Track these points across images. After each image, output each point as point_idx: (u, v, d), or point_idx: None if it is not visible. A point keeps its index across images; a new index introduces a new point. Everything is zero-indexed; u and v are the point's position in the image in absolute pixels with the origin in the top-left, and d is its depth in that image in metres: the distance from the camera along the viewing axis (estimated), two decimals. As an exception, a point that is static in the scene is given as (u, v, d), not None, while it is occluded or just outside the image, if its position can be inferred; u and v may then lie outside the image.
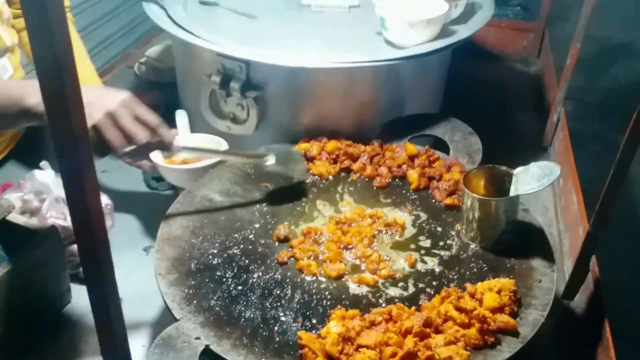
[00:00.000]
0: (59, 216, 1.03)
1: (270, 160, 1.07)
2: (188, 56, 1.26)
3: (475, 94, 1.74)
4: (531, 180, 0.88)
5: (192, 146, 1.10)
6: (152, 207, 1.30)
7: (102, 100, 0.89)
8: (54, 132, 0.51)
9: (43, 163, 1.18)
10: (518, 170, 0.92)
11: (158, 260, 0.87)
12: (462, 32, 1.21)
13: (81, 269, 1.07)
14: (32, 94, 0.88)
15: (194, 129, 1.36)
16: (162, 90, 1.63)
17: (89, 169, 0.53)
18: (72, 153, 0.52)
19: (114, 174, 1.40)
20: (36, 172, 1.08)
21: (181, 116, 1.25)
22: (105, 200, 1.12)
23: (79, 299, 1.05)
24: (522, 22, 2.04)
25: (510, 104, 1.75)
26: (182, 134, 1.22)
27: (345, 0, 1.37)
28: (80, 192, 0.53)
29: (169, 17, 1.24)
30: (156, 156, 1.12)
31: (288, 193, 1.06)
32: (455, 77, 1.52)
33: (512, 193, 0.90)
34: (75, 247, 1.05)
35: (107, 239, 0.59)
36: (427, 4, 1.19)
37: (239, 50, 1.11)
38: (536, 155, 1.48)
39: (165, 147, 0.98)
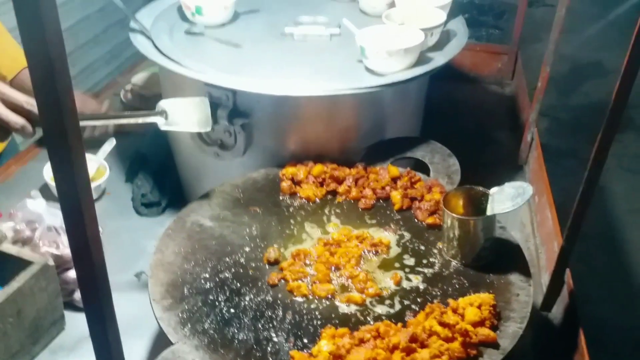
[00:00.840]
0: (51, 245, 1.05)
1: (160, 121, 1.08)
2: (175, 85, 1.29)
3: (453, 115, 1.81)
4: (506, 199, 0.93)
5: (92, 117, 1.15)
6: (141, 233, 1.33)
7: None
8: (52, 158, 0.54)
9: (34, 192, 1.21)
10: (494, 191, 0.97)
11: (152, 286, 0.90)
12: (439, 59, 1.27)
13: (74, 296, 1.09)
14: None
15: (179, 155, 1.40)
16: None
17: (86, 196, 0.56)
18: (69, 178, 0.54)
19: (103, 202, 1.43)
20: (27, 201, 1.10)
21: (109, 144, 1.44)
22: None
23: (73, 326, 1.07)
24: (496, 45, 2.13)
25: (487, 124, 1.82)
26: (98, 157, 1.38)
27: (327, 29, 1.42)
28: (79, 220, 0.56)
29: (155, 47, 1.28)
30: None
31: (277, 216, 1.10)
32: (434, 100, 1.58)
33: (488, 212, 0.95)
34: (68, 274, 1.08)
35: (105, 266, 0.62)
36: (405, 34, 1.24)
37: (225, 79, 1.15)
38: (512, 173, 1.54)
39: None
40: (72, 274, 1.07)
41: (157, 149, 1.47)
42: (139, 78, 1.84)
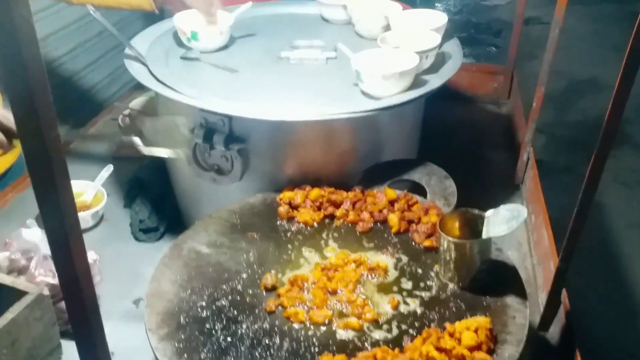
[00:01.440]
0: (47, 274, 1.05)
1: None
2: (170, 111, 1.30)
3: (450, 136, 1.81)
4: (501, 222, 0.93)
5: None
6: (140, 259, 1.32)
7: None
8: (38, 196, 0.54)
9: (29, 221, 1.20)
10: (489, 213, 0.97)
11: (148, 316, 0.89)
12: (434, 81, 1.28)
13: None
14: None
15: (176, 180, 1.40)
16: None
17: (75, 231, 0.56)
18: (57, 215, 0.54)
19: (101, 228, 1.43)
20: (22, 230, 1.10)
21: (107, 170, 1.45)
22: (92, 256, 1.14)
23: (70, 355, 1.06)
24: (491, 65, 2.14)
25: (483, 144, 1.83)
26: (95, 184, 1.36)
27: (323, 52, 1.43)
28: (67, 255, 0.56)
29: (151, 73, 1.29)
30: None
31: (274, 241, 1.10)
32: (431, 121, 1.59)
33: (484, 235, 0.95)
34: (63, 304, 1.07)
35: (96, 300, 0.62)
36: (400, 57, 1.25)
37: (221, 105, 1.16)
38: (509, 193, 1.54)
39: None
40: (69, 302, 1.06)
41: (155, 175, 1.47)
42: (136, 103, 1.85)
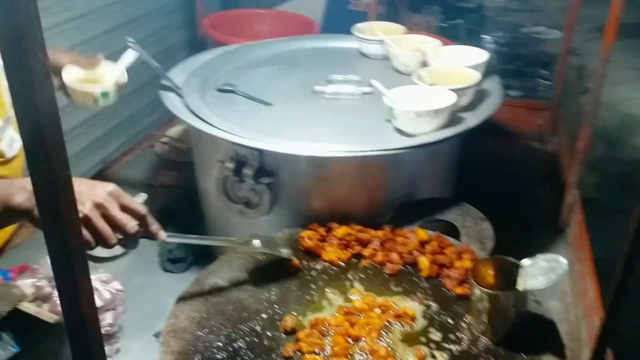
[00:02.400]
0: (70, 303, 1.04)
1: (257, 244, 1.07)
2: (203, 142, 1.29)
3: (491, 174, 1.74)
4: (538, 273, 0.87)
5: (178, 236, 1.10)
6: (166, 290, 1.30)
7: (89, 192, 0.90)
8: (48, 243, 0.53)
9: (59, 249, 1.20)
10: (526, 263, 0.91)
11: (162, 355, 0.87)
12: (471, 120, 1.23)
13: (91, 357, 1.06)
14: (17, 193, 0.88)
15: (208, 209, 1.38)
16: (181, 170, 1.68)
17: (83, 271, 0.54)
18: (64, 254, 0.53)
19: (130, 256, 1.42)
20: (48, 258, 1.10)
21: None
22: (117, 286, 1.13)
23: (87, 387, 1.04)
24: (535, 100, 2.08)
25: (527, 183, 1.74)
26: (115, 66, 1.32)
27: (359, 87, 1.41)
28: (75, 305, 0.54)
29: (186, 105, 1.29)
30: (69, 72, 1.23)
31: (298, 280, 1.06)
32: (471, 158, 1.53)
33: (519, 287, 0.88)
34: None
35: (101, 341, 0.60)
36: (436, 94, 1.21)
37: (252, 139, 1.14)
38: (553, 237, 1.45)
39: (152, 237, 0.99)
40: (89, 333, 1.05)
41: (186, 204, 1.46)
42: (174, 131, 1.87)
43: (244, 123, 1.23)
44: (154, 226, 0.98)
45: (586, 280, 1.19)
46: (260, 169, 1.17)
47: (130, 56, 1.35)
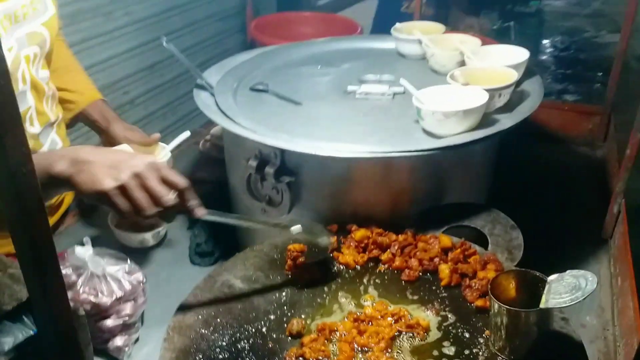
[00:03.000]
0: (91, 292, 1.02)
1: (297, 229, 0.99)
2: (230, 140, 1.25)
3: (533, 179, 1.60)
4: (564, 291, 0.75)
5: (218, 214, 1.04)
6: (192, 282, 1.26)
7: (128, 161, 0.86)
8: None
9: (85, 239, 1.19)
10: (552, 278, 0.79)
11: (164, 351, 0.82)
12: (505, 122, 1.11)
13: (109, 345, 1.04)
14: (57, 161, 0.86)
15: (235, 206, 1.33)
16: (219, 167, 1.65)
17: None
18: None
19: (162, 248, 1.39)
20: (77, 247, 1.08)
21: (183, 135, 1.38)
22: (139, 277, 1.09)
23: (103, 376, 1.02)
24: (586, 105, 1.90)
25: (571, 190, 1.59)
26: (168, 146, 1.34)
27: (391, 87, 1.32)
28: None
29: (216, 103, 1.24)
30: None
31: (312, 281, 0.98)
32: (512, 162, 1.41)
33: (542, 304, 0.77)
34: (104, 323, 1.03)
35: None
36: (468, 94, 1.11)
37: (273, 138, 1.08)
38: (595, 249, 1.30)
39: (190, 213, 0.92)
40: (108, 322, 1.02)
41: (217, 199, 1.42)
42: (217, 129, 1.84)
43: (271, 122, 1.17)
44: (193, 201, 0.92)
45: (627, 298, 1.05)
46: (281, 168, 1.10)
47: (184, 136, 1.38)
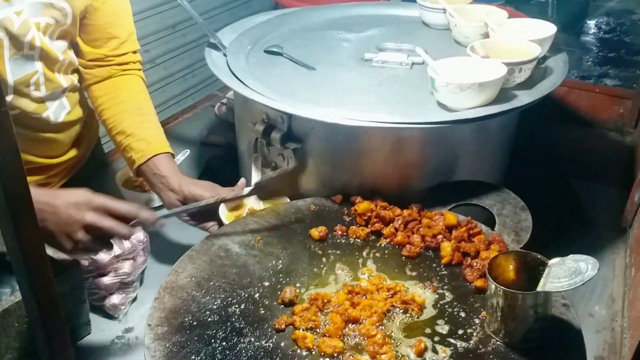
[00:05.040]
0: (89, 249, 1.03)
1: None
2: (240, 103, 1.24)
3: (556, 162, 1.55)
4: (564, 275, 0.73)
5: (174, 210, 1.07)
6: (195, 243, 1.27)
7: (75, 214, 0.88)
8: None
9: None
10: (553, 262, 0.77)
11: (153, 310, 0.83)
12: (523, 97, 1.07)
13: (105, 302, 1.06)
14: None
15: (242, 171, 1.32)
16: (233, 131, 1.65)
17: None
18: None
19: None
20: None
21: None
22: (140, 237, 1.10)
23: (99, 331, 1.04)
24: (617, 88, 1.83)
25: (595, 175, 1.54)
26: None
27: (409, 57, 1.28)
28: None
29: (227, 64, 1.23)
30: (222, 212, 1.11)
31: (309, 251, 0.98)
32: (533, 142, 1.36)
33: (539, 287, 0.75)
34: (102, 280, 1.05)
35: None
36: (486, 68, 1.07)
37: (280, 102, 1.06)
38: (612, 237, 1.27)
39: (150, 226, 0.98)
40: (105, 279, 1.04)
41: (226, 164, 1.42)
42: (233, 93, 1.83)
43: (282, 87, 1.16)
44: (149, 219, 0.95)
45: (638, 289, 1.02)
46: (288, 134, 1.09)
47: (182, 156, 1.38)
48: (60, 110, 1.17)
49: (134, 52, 1.26)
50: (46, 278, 0.53)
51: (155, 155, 1.15)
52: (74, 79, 1.19)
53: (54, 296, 0.54)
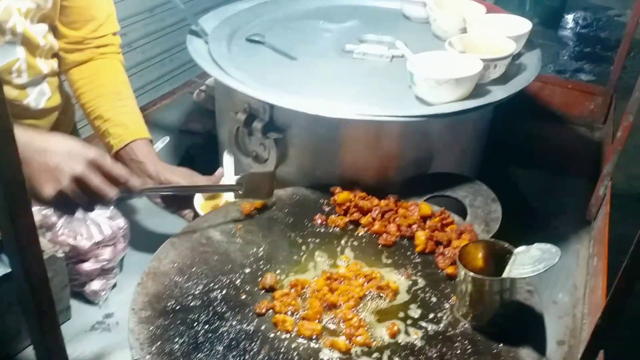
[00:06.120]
0: (70, 235, 1.06)
1: (238, 193, 1.06)
2: (221, 91, 1.27)
3: (528, 155, 1.62)
4: (528, 262, 0.79)
5: (158, 187, 1.09)
6: (174, 231, 1.30)
7: (67, 162, 0.82)
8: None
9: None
10: (519, 250, 0.83)
11: (136, 295, 0.86)
12: (497, 93, 1.13)
13: (86, 288, 1.08)
14: None
15: (222, 160, 1.36)
16: (212, 119, 1.67)
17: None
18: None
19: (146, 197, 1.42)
20: (58, 189, 1.11)
21: (227, 159, 1.25)
22: (120, 223, 1.13)
23: (79, 316, 1.06)
24: (589, 85, 1.90)
25: (564, 170, 1.61)
26: (227, 177, 1.21)
27: (390, 50, 1.33)
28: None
29: (209, 51, 1.26)
30: (197, 201, 1.13)
31: (289, 239, 1.02)
32: (507, 137, 1.42)
33: (505, 274, 0.81)
34: (82, 266, 1.07)
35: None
36: (463, 63, 1.12)
37: (261, 92, 1.10)
38: (576, 229, 1.34)
39: (135, 194, 0.93)
40: (86, 265, 1.07)
41: (205, 153, 1.45)
42: (212, 80, 1.85)
43: (264, 76, 1.19)
44: (136, 188, 0.91)
45: (599, 277, 1.09)
46: (269, 124, 1.13)
47: (162, 142, 1.36)
48: (40, 97, 1.18)
49: (114, 34, 1.27)
50: (38, 257, 0.55)
51: (133, 140, 1.17)
52: (54, 64, 1.20)
53: (45, 275, 0.57)
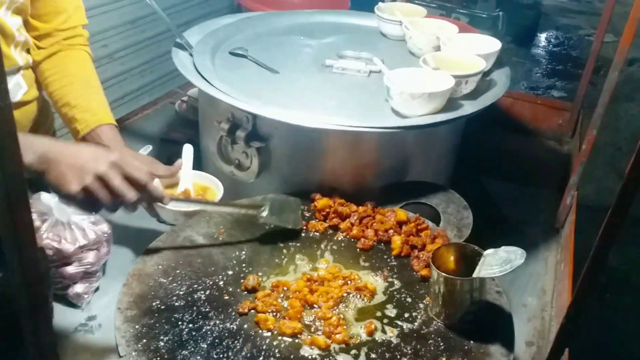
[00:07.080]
0: (54, 238, 1.08)
1: (264, 212, 1.08)
2: (205, 101, 1.31)
3: (499, 167, 1.70)
4: (496, 263, 0.85)
5: (184, 199, 1.13)
6: (155, 238, 1.33)
7: (93, 163, 0.92)
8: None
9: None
10: (488, 252, 0.89)
11: (122, 295, 0.89)
12: (468, 107, 1.19)
13: (68, 291, 1.10)
14: (26, 151, 0.89)
15: (205, 168, 1.40)
16: (194, 129, 1.71)
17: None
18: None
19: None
20: (42, 194, 1.14)
21: (187, 150, 1.29)
22: (104, 228, 1.16)
23: (62, 319, 1.08)
24: (558, 101, 2.00)
25: (534, 180, 1.69)
26: (185, 168, 1.26)
27: (368, 65, 1.39)
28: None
29: (193, 63, 1.30)
30: (157, 184, 1.17)
31: (271, 244, 1.07)
32: (479, 148, 1.49)
33: (475, 274, 0.87)
34: (65, 269, 1.09)
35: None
36: (436, 79, 1.19)
37: (245, 102, 1.14)
38: (545, 236, 1.41)
39: (155, 201, 1.02)
40: (69, 269, 1.09)
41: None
42: (195, 91, 1.89)
43: (247, 87, 1.24)
44: (156, 194, 1.00)
45: (565, 282, 1.16)
46: (252, 133, 1.18)
47: (145, 150, 1.39)
48: (17, 90, 1.20)
49: (83, 27, 1.31)
50: (34, 254, 0.59)
51: (99, 126, 1.22)
52: (28, 57, 1.23)
53: (40, 272, 0.61)
